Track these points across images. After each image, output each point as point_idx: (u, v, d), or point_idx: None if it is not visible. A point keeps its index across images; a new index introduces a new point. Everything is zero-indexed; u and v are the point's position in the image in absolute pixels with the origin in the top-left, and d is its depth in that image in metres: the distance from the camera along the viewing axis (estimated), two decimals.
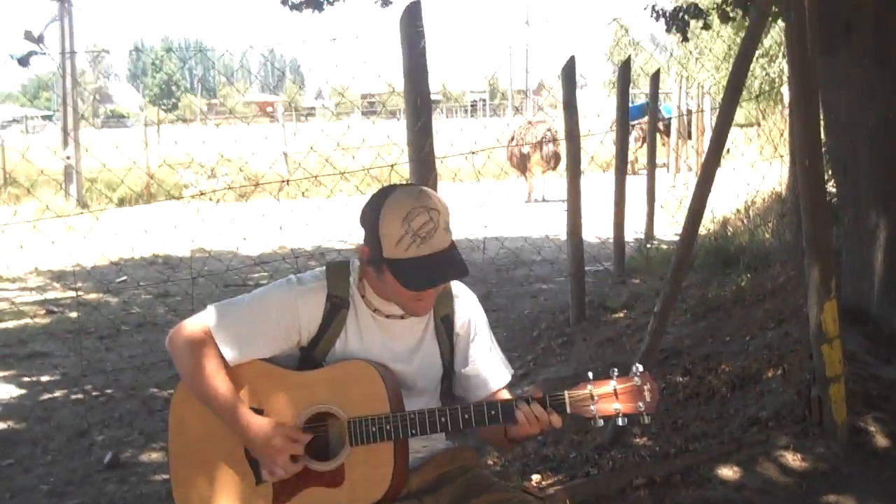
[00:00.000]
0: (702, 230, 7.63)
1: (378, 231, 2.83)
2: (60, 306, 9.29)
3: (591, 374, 2.82)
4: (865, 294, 6.94)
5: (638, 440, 5.31)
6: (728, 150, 6.92)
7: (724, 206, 10.02)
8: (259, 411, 2.97)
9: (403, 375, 3.06)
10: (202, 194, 16.80)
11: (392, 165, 3.72)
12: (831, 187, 7.30)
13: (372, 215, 2.87)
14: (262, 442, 2.91)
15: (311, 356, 3.04)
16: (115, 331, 8.19)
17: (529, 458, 5.14)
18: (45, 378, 7.19)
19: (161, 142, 19.33)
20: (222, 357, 2.95)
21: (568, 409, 2.81)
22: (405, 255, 2.80)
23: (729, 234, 9.44)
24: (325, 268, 3.09)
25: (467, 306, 3.20)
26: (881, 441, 5.28)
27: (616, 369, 2.81)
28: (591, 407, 2.79)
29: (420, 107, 5.15)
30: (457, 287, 3.21)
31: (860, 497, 4.84)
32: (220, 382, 2.94)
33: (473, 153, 5.21)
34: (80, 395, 6.63)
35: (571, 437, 5.41)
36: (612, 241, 10.03)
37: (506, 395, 3.19)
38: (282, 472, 2.92)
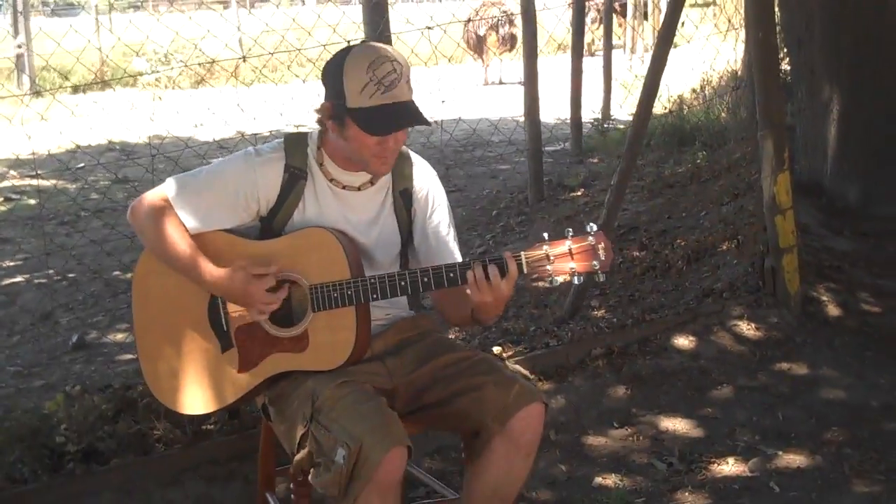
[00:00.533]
0: (657, 109, 7.66)
1: (342, 81, 2.85)
2: (19, 193, 9.25)
3: (545, 235, 2.83)
4: (818, 167, 7.05)
5: (596, 312, 5.40)
6: (683, 24, 6.88)
7: (679, 84, 10.02)
8: None
9: (361, 247, 3.09)
10: (157, 82, 16.62)
11: (349, 41, 3.71)
12: (786, 65, 7.35)
13: (335, 67, 2.89)
14: (239, 287, 2.95)
15: (270, 227, 3.07)
16: (75, 216, 8.15)
17: (490, 332, 5.20)
18: (7, 263, 7.18)
19: (113, 29, 19.02)
20: (183, 224, 2.99)
21: (525, 270, 2.82)
22: (369, 103, 2.83)
23: (684, 112, 9.45)
24: (282, 139, 3.10)
25: (426, 181, 3.23)
26: (833, 310, 5.41)
27: (571, 230, 2.81)
28: (548, 267, 2.79)
29: None
30: (416, 161, 3.24)
31: (813, 364, 4.98)
32: (184, 244, 2.98)
33: (430, 28, 5.18)
34: (43, 279, 6.63)
35: (531, 311, 5.50)
36: (569, 121, 10.06)
37: None
38: (268, 307, 2.97)
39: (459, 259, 3.20)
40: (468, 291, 2.84)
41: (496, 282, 2.82)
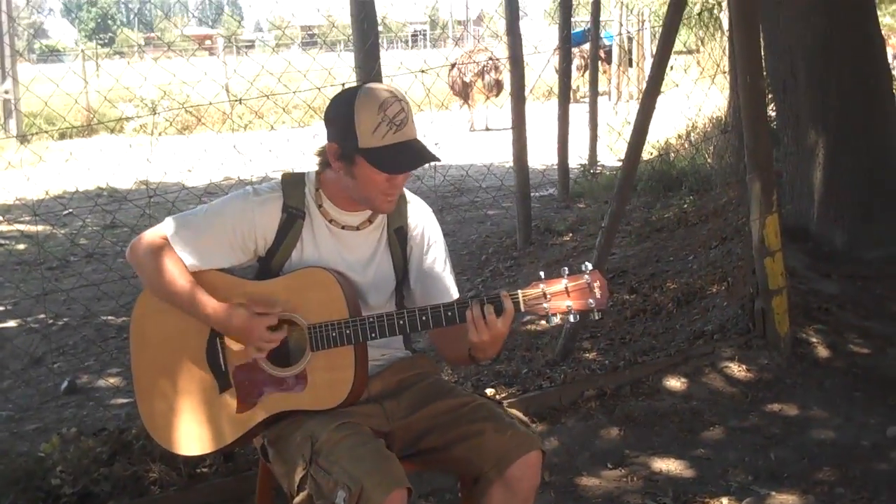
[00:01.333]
0: (644, 155, 7.73)
1: (353, 121, 2.87)
2: (7, 239, 9.25)
3: (542, 274, 2.86)
4: (805, 212, 7.11)
5: (588, 355, 5.43)
6: (672, 68, 6.96)
7: (665, 130, 10.11)
8: None
9: (358, 286, 3.11)
10: (143, 128, 16.67)
11: (343, 84, 3.76)
12: (771, 111, 7.42)
13: (344, 108, 2.91)
14: (240, 323, 2.96)
15: (268, 267, 3.08)
16: (64, 262, 8.16)
17: (483, 374, 5.24)
18: None
19: (100, 76, 19.11)
20: (182, 262, 3.01)
21: (522, 308, 2.85)
22: (382, 143, 2.86)
23: (671, 157, 9.55)
24: (280, 179, 3.13)
25: (422, 218, 3.26)
26: (822, 352, 5.45)
27: (567, 268, 2.86)
28: (544, 305, 2.82)
29: (367, 29, 5.18)
30: (411, 199, 3.27)
31: (803, 405, 5.00)
32: (184, 279, 2.99)
33: (423, 71, 5.26)
34: (34, 324, 6.63)
35: (522, 353, 5.52)
36: (556, 167, 10.13)
37: None
38: (267, 344, 2.98)
39: (456, 295, 3.24)
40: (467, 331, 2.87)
41: (493, 320, 2.84)
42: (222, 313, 2.98)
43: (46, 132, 12.81)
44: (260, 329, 2.96)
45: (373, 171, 2.90)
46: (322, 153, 3.06)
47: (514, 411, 3.13)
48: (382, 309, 3.17)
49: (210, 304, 2.99)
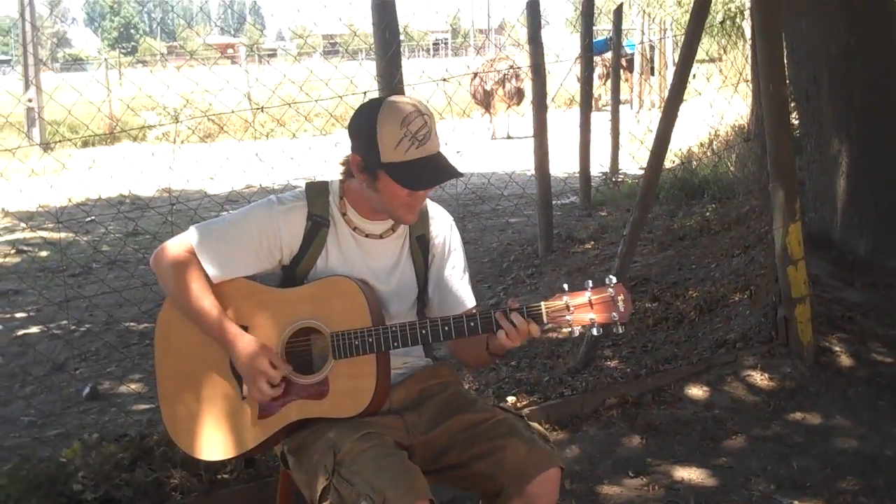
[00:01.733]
0: (666, 163, 7.72)
1: (375, 136, 2.88)
2: (30, 246, 9.29)
3: (566, 286, 2.87)
4: (828, 220, 7.08)
5: (609, 363, 5.42)
6: (695, 76, 6.95)
7: (688, 138, 10.10)
8: (244, 328, 3.02)
9: (380, 294, 3.11)
10: (165, 136, 16.74)
11: (364, 93, 3.76)
12: (794, 119, 7.40)
13: (367, 122, 2.91)
14: (246, 361, 2.96)
15: (293, 275, 3.09)
16: (86, 269, 8.20)
17: (504, 382, 5.23)
18: (19, 315, 7.20)
19: (123, 85, 19.22)
20: (206, 274, 3.01)
21: (545, 320, 2.86)
22: (404, 158, 2.86)
23: (693, 166, 9.53)
24: (304, 187, 3.14)
25: (443, 227, 3.27)
26: (846, 360, 5.42)
27: (590, 281, 2.86)
28: (567, 317, 2.84)
29: (389, 38, 5.18)
30: (432, 208, 3.28)
31: (826, 414, 4.97)
32: (205, 298, 2.99)
33: (445, 80, 5.26)
34: (55, 331, 6.65)
35: (544, 361, 5.51)
36: (577, 175, 10.12)
37: None
38: (259, 394, 2.98)
39: (473, 303, 3.26)
40: (498, 339, 2.89)
41: (525, 327, 2.86)
42: (233, 340, 2.99)
43: (69, 140, 12.87)
44: (261, 381, 2.96)
45: (395, 186, 2.90)
46: (346, 163, 3.08)
47: (535, 425, 3.12)
48: (404, 317, 3.19)
49: (225, 326, 3.00)
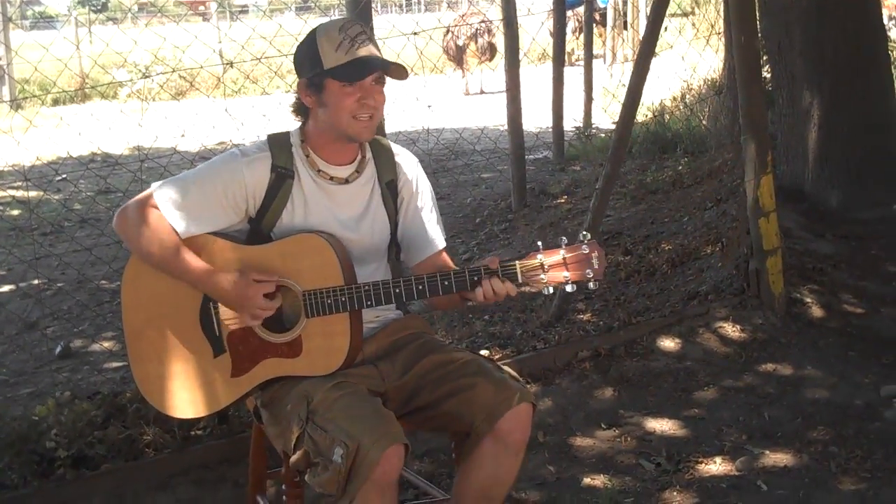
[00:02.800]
0: (639, 117, 7.71)
1: (316, 48, 2.95)
2: (1, 205, 9.23)
3: (540, 244, 2.87)
4: (800, 173, 7.10)
5: (582, 316, 5.44)
6: (666, 29, 6.95)
7: (660, 92, 10.07)
8: None
9: (351, 244, 3.10)
10: (137, 94, 16.58)
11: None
12: (766, 72, 7.40)
13: (308, 41, 3.01)
14: (238, 290, 2.95)
15: (259, 228, 3.08)
16: (58, 227, 8.15)
17: (477, 336, 5.25)
18: None
19: (93, 42, 19.00)
20: (174, 229, 2.99)
21: (519, 279, 2.88)
22: (345, 59, 2.92)
23: (666, 119, 9.51)
24: (266, 138, 3.13)
25: (409, 168, 3.27)
26: (817, 311, 5.46)
27: (564, 238, 2.86)
28: (542, 276, 2.85)
29: None
30: (398, 152, 3.29)
31: (797, 365, 5.02)
32: (175, 246, 2.97)
33: (416, 34, 5.23)
34: (26, 290, 6.62)
35: (517, 315, 5.52)
36: (551, 130, 10.10)
37: (447, 259, 3.28)
38: (263, 312, 2.97)
39: (443, 243, 3.29)
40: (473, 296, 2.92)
41: (501, 287, 2.89)
42: (216, 279, 2.97)
43: (37, 97, 12.73)
44: (257, 297, 2.95)
45: (341, 91, 2.95)
46: (296, 105, 3.11)
47: (505, 367, 3.13)
48: (377, 264, 3.21)
49: (202, 269, 2.98)
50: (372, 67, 2.95)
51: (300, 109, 3.11)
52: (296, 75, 3.11)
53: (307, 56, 3.00)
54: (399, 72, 2.99)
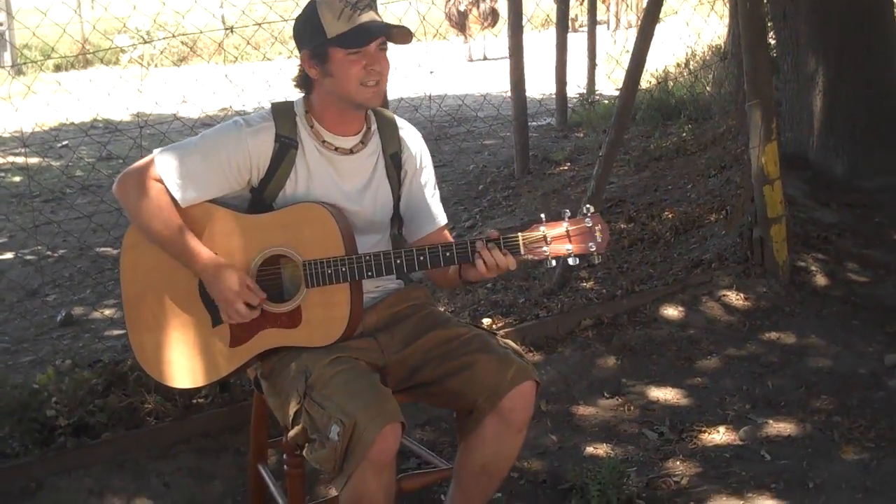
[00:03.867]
0: (643, 84, 7.66)
1: (318, 17, 2.92)
2: (2, 171, 9.19)
3: (543, 216, 2.85)
4: (804, 140, 7.07)
5: (585, 284, 5.41)
6: None
7: (664, 58, 10.01)
8: None
9: (354, 215, 3.08)
10: (139, 59, 16.51)
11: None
12: (771, 38, 7.35)
13: (309, 11, 2.97)
14: (221, 284, 2.93)
15: (261, 198, 3.05)
16: (60, 194, 8.11)
17: (479, 304, 5.22)
18: None
19: (94, 7, 18.90)
20: (173, 198, 2.96)
21: (522, 252, 2.86)
22: (348, 26, 2.89)
23: (670, 86, 9.46)
24: (270, 108, 3.09)
25: (414, 143, 3.25)
26: (821, 280, 5.44)
27: (568, 211, 2.84)
28: (545, 248, 2.83)
29: None
30: (403, 125, 3.26)
31: (801, 333, 5.01)
32: (172, 221, 2.95)
33: None
34: (30, 256, 6.60)
35: (520, 283, 5.49)
36: (554, 96, 10.04)
37: (447, 236, 3.27)
38: (238, 317, 2.95)
39: (444, 220, 3.27)
40: (475, 269, 2.89)
41: (503, 259, 2.87)
42: (214, 268, 2.95)
43: (34, 62, 12.66)
44: (237, 301, 2.93)
45: (346, 59, 2.92)
46: (300, 77, 3.08)
47: (508, 342, 3.12)
48: (380, 237, 3.19)
49: (201, 253, 2.97)
50: (376, 32, 2.92)
51: (303, 82, 3.07)
52: (296, 46, 3.08)
53: (308, 26, 2.96)
54: (403, 35, 2.96)
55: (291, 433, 2.86)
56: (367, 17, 2.91)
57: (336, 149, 3.07)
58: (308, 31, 2.97)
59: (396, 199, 3.21)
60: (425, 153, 3.28)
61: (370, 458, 2.68)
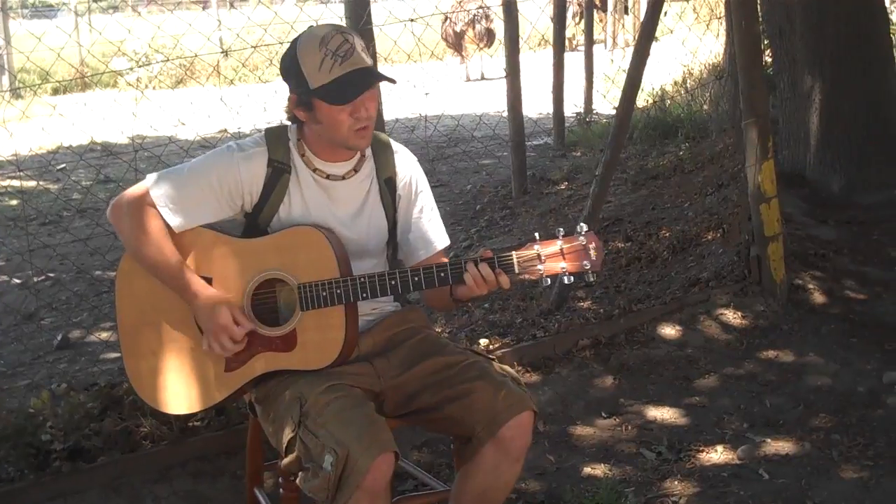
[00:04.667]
0: (639, 102, 7.66)
1: (299, 66, 2.88)
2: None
3: (537, 235, 2.85)
4: (801, 158, 7.08)
5: (582, 304, 5.40)
6: (665, 13, 6.92)
7: (661, 77, 10.03)
8: (207, 279, 2.98)
9: (348, 241, 3.06)
10: (138, 82, 16.53)
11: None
12: (767, 56, 7.37)
13: (290, 57, 2.92)
14: (208, 315, 2.92)
15: (255, 223, 3.05)
16: (57, 216, 8.10)
17: (476, 325, 5.21)
18: None
19: (92, 31, 18.95)
20: (166, 224, 2.96)
21: (516, 270, 2.84)
22: (330, 77, 2.85)
23: (667, 105, 9.47)
24: (263, 133, 3.09)
25: (408, 167, 3.23)
26: (819, 298, 5.43)
27: (562, 229, 2.83)
28: (539, 267, 2.81)
29: None
30: (398, 149, 3.24)
31: (799, 352, 4.99)
32: (165, 249, 2.94)
33: (412, 20, 5.19)
34: (25, 280, 6.59)
35: (517, 303, 5.49)
36: (551, 116, 10.06)
37: (444, 260, 3.25)
38: (219, 350, 2.94)
39: (446, 242, 3.25)
40: (466, 286, 2.88)
41: (493, 278, 2.85)
42: (205, 301, 2.94)
43: (30, 87, 12.67)
44: (224, 337, 2.92)
45: (331, 109, 2.89)
46: (290, 114, 3.05)
47: (506, 368, 3.10)
48: (375, 263, 3.17)
49: (194, 284, 2.96)
50: (361, 88, 2.88)
51: (295, 117, 3.05)
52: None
53: (292, 71, 2.93)
54: (388, 80, 2.94)
55: (285, 461, 2.85)
56: (350, 63, 2.86)
57: (328, 176, 3.06)
58: (293, 76, 2.93)
59: (391, 223, 3.20)
60: (421, 177, 3.25)
61: (363, 487, 2.66)
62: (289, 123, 3.10)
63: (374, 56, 5.02)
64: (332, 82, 2.85)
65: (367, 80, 2.90)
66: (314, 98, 2.88)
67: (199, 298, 2.94)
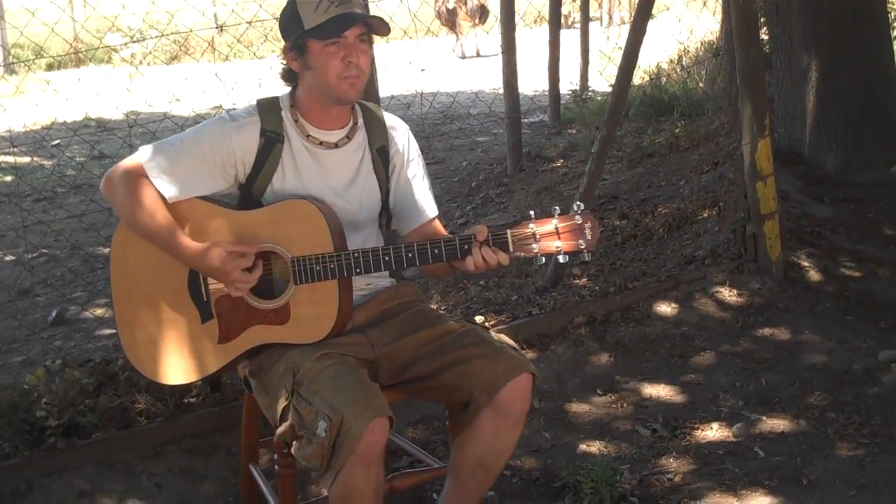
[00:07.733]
0: (636, 80, 7.63)
1: (297, 10, 2.93)
2: None
3: (532, 213, 2.84)
4: (797, 136, 7.06)
5: (578, 281, 5.40)
6: None
7: (657, 55, 10.00)
8: None
9: (342, 210, 3.06)
10: (132, 58, 16.48)
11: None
12: (764, 34, 7.34)
13: (289, 3, 2.99)
14: (205, 266, 2.94)
15: (249, 194, 3.05)
16: (51, 193, 8.09)
17: (472, 302, 5.20)
18: None
19: (87, 6, 18.86)
20: (161, 195, 2.95)
21: (511, 248, 2.84)
22: (324, 17, 2.89)
23: (663, 82, 9.44)
24: (255, 103, 3.09)
25: (401, 137, 3.24)
26: (814, 276, 5.43)
27: (558, 208, 2.82)
28: (534, 245, 2.81)
29: None
30: (390, 119, 3.25)
31: (794, 329, 5.00)
32: (161, 216, 2.94)
33: None
34: (20, 256, 6.57)
35: (512, 280, 5.48)
36: (546, 93, 10.03)
37: (439, 227, 3.25)
38: (244, 284, 2.95)
39: (435, 211, 3.25)
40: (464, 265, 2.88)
41: (492, 256, 2.84)
42: (198, 255, 2.94)
43: (24, 62, 12.62)
44: (235, 271, 2.92)
45: (324, 50, 2.92)
46: (285, 71, 3.08)
47: (502, 336, 3.11)
48: (368, 233, 3.18)
49: (186, 244, 2.96)
50: (351, 21, 2.90)
51: (288, 75, 3.08)
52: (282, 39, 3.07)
53: (289, 20, 2.97)
54: (381, 25, 2.96)
55: (279, 430, 2.85)
56: (345, 7, 2.90)
57: (321, 143, 3.06)
58: (289, 24, 2.98)
59: (385, 193, 3.20)
60: (413, 146, 3.27)
61: (358, 452, 2.66)
62: (280, 94, 3.10)
63: None
64: (326, 22, 2.88)
65: (359, 16, 2.93)
66: (307, 39, 2.92)
67: (190, 255, 2.95)
